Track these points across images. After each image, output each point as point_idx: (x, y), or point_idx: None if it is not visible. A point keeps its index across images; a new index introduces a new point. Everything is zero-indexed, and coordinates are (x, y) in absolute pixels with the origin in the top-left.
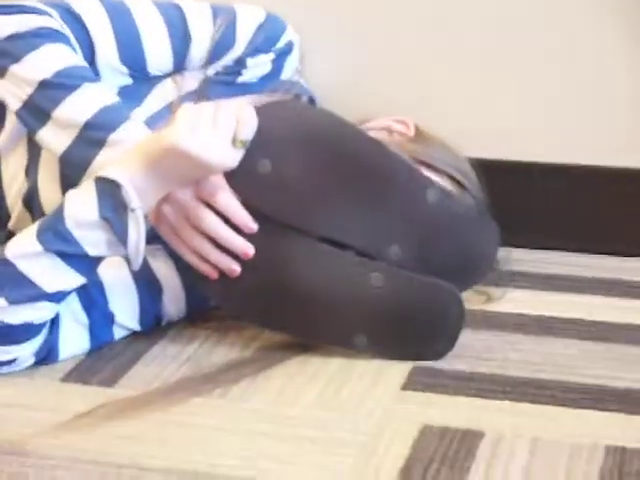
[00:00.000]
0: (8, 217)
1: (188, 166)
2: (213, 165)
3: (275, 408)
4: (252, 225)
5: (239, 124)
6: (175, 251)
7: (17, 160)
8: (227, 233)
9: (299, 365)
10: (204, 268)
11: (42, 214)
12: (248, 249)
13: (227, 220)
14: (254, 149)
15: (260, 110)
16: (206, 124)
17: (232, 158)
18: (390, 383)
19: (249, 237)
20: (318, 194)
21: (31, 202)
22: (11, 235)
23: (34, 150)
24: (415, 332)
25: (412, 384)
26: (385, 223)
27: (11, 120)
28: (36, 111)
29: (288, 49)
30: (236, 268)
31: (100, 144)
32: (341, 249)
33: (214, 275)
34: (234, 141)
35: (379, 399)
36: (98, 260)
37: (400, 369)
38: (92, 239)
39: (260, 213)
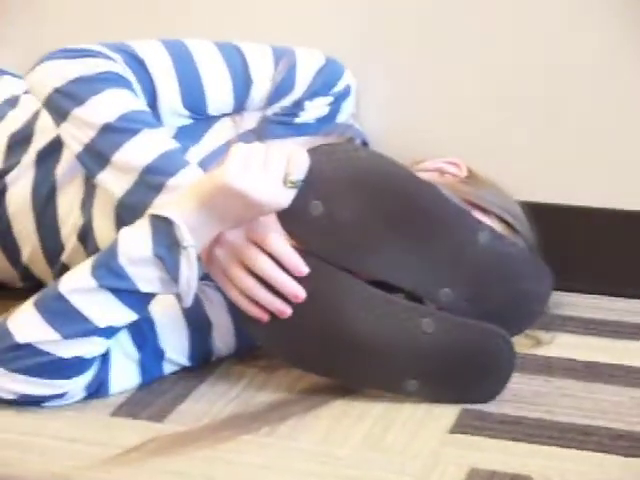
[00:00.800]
0: (62, 250)
1: (240, 205)
2: (264, 204)
3: (323, 448)
4: (303, 268)
5: (290, 164)
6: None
7: (73, 194)
8: (279, 275)
9: (346, 405)
10: (254, 311)
11: (96, 249)
12: (299, 292)
13: (278, 262)
14: (306, 190)
15: (311, 151)
16: (257, 163)
17: (284, 198)
18: (438, 425)
19: (299, 279)
20: (369, 236)
21: (85, 237)
22: (64, 268)
23: (90, 186)
24: (466, 376)
25: (460, 427)
26: (436, 265)
27: (69, 155)
28: (96, 155)
29: (346, 93)
30: (286, 310)
31: (158, 189)
32: (391, 292)
33: (264, 318)
34: (285, 181)
35: (426, 441)
36: (150, 297)
37: (448, 411)
38: (145, 276)
39: (311, 255)
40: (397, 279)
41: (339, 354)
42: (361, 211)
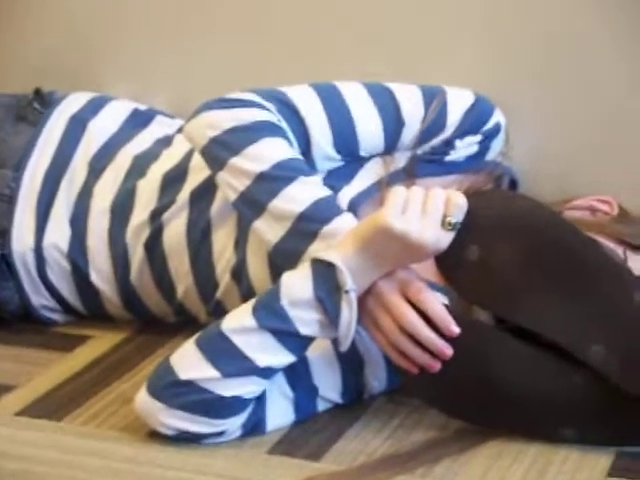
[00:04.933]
0: (216, 287)
1: (399, 247)
2: (424, 246)
3: None
4: (454, 329)
5: (449, 206)
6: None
7: (227, 233)
8: (427, 334)
9: (500, 446)
10: (403, 363)
11: (249, 287)
12: (447, 350)
13: (427, 317)
14: (463, 234)
15: (469, 195)
16: (416, 205)
17: (442, 241)
18: (594, 468)
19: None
20: (522, 284)
21: (239, 275)
22: (218, 304)
23: (244, 225)
24: (623, 421)
25: (618, 470)
26: (589, 320)
27: (223, 194)
28: (252, 203)
29: (495, 131)
30: (435, 365)
31: (313, 236)
32: (540, 347)
33: (414, 370)
34: (443, 223)
35: None
36: (309, 340)
37: (604, 454)
38: (305, 319)
39: (460, 317)
40: (549, 331)
41: (490, 404)
42: (517, 259)
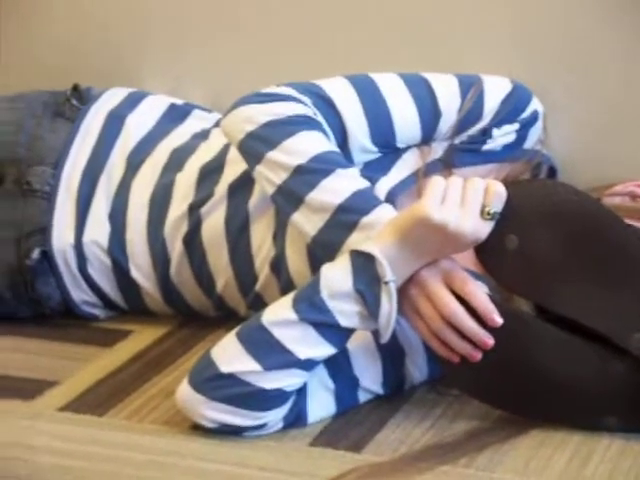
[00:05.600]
0: (255, 280)
1: (439, 238)
2: (462, 236)
3: (523, 478)
4: (498, 319)
5: (488, 196)
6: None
7: (266, 226)
8: (469, 324)
9: (543, 435)
10: (444, 352)
11: (288, 280)
12: (488, 340)
13: (468, 306)
14: (502, 224)
15: (509, 184)
16: (455, 196)
17: (482, 231)
18: (638, 456)
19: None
20: (563, 272)
21: (278, 267)
22: (258, 298)
23: (282, 217)
24: None
25: None
26: (629, 308)
27: (261, 187)
28: (290, 195)
29: (533, 119)
30: (476, 355)
31: (352, 227)
32: (581, 336)
33: (455, 359)
34: (482, 213)
35: (627, 472)
36: (349, 332)
37: None
38: (345, 311)
39: (503, 304)
40: (589, 319)
41: (531, 394)
42: (556, 247)
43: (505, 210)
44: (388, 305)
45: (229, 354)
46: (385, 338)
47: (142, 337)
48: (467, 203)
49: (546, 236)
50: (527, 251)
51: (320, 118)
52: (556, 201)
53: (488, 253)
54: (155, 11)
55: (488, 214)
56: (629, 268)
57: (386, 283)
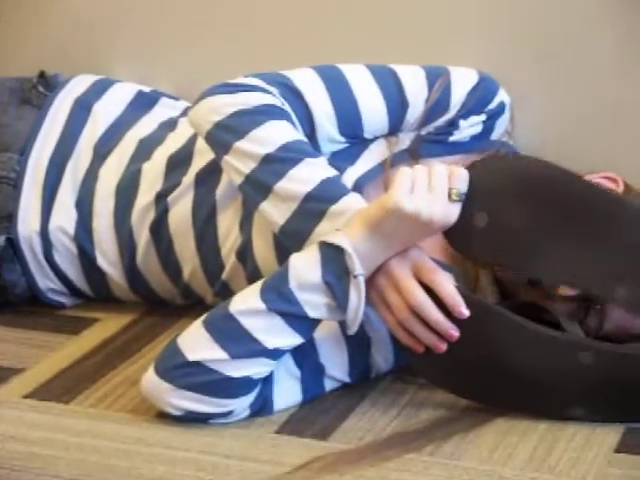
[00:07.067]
0: (222, 268)
1: (410, 226)
2: (434, 222)
3: (487, 467)
4: (464, 311)
5: (452, 179)
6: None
7: (233, 214)
8: (435, 315)
9: (508, 423)
10: (409, 342)
11: (255, 268)
12: (454, 332)
13: (436, 297)
14: (469, 204)
15: (471, 165)
16: (423, 184)
17: (452, 213)
18: (603, 445)
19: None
20: (535, 237)
21: (244, 256)
22: (224, 286)
23: (249, 207)
24: (632, 400)
25: (626, 446)
26: (610, 261)
27: (228, 178)
28: (258, 185)
29: (500, 110)
30: (441, 345)
31: (320, 216)
32: (548, 327)
33: (420, 349)
34: (449, 195)
35: (592, 462)
36: (317, 322)
37: (613, 430)
38: (313, 302)
39: (469, 295)
40: (570, 280)
41: (497, 385)
42: (525, 213)
43: (471, 189)
44: (357, 298)
45: (196, 342)
46: (352, 330)
47: (108, 325)
48: (434, 189)
49: (512, 205)
50: (497, 224)
51: (288, 108)
52: (519, 171)
53: (459, 235)
54: None
55: (456, 196)
56: (602, 222)
57: (355, 277)
